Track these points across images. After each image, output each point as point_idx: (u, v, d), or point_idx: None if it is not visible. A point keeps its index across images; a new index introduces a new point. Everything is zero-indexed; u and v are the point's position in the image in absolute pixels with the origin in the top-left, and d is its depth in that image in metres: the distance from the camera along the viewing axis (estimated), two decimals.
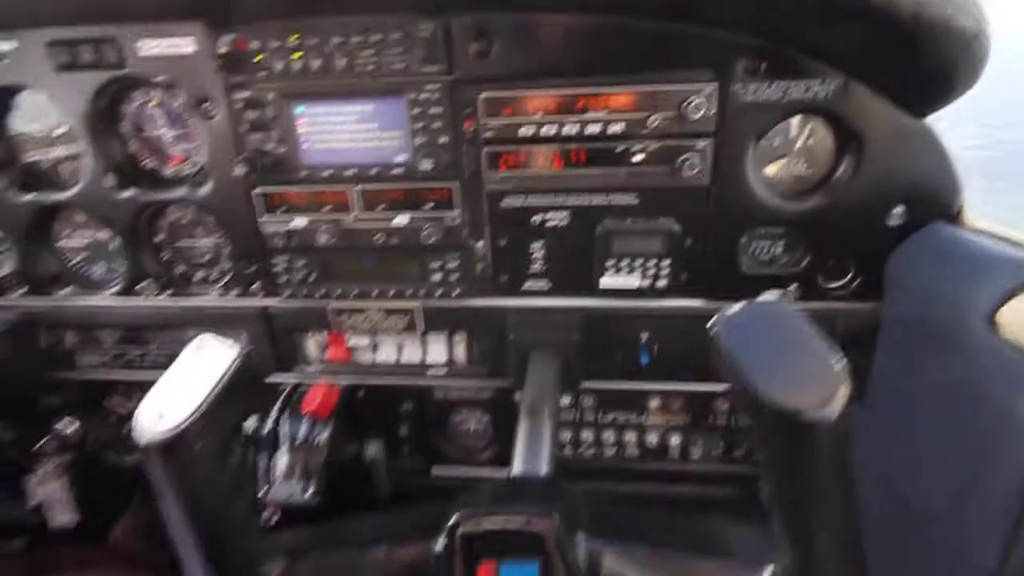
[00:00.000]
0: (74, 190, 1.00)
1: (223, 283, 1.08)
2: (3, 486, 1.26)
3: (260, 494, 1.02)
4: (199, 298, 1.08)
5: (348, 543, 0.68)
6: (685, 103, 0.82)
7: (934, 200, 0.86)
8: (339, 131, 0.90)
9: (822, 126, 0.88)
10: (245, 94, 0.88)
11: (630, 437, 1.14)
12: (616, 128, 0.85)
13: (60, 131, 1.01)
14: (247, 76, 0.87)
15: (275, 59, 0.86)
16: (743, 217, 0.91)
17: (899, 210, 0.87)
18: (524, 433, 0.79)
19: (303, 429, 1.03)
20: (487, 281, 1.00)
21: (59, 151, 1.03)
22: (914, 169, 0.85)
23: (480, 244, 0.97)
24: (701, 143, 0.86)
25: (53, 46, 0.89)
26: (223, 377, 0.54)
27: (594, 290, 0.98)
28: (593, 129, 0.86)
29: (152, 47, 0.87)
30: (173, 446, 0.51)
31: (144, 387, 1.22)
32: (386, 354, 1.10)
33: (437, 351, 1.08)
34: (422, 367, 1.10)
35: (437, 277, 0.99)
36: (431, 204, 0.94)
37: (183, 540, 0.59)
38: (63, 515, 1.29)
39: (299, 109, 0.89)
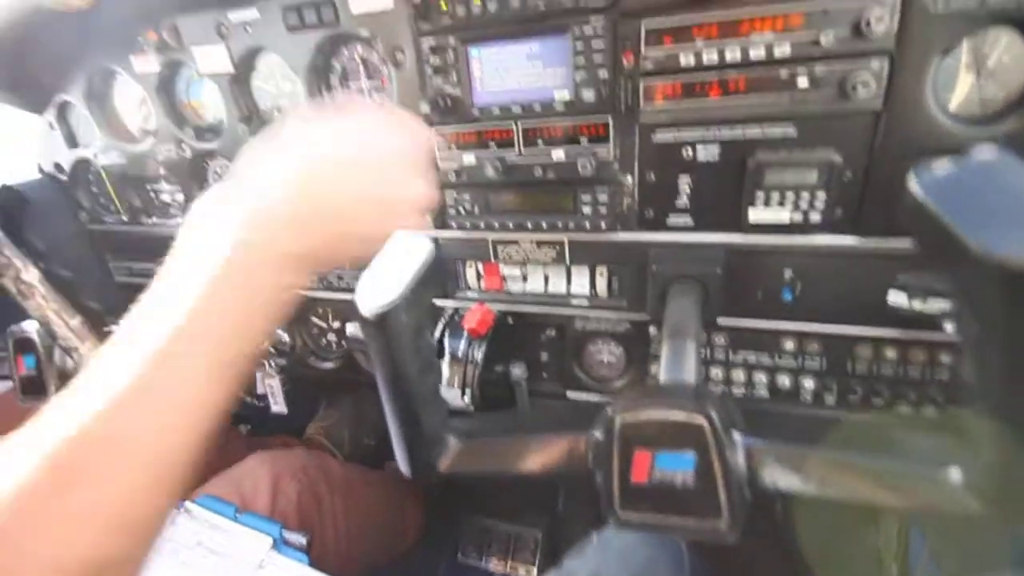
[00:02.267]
0: None
1: None
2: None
3: None
4: None
5: (512, 431, 0.67)
6: (863, 17, 0.68)
7: None
8: (507, 71, 0.87)
9: (1019, 39, 0.69)
10: (431, 41, 0.88)
11: (760, 378, 1.00)
12: (783, 50, 0.73)
13: (286, 87, 1.09)
14: (433, 24, 0.87)
15: (457, 5, 0.84)
16: (918, 145, 0.74)
17: None
18: (668, 349, 0.72)
19: (462, 345, 1.03)
20: (633, 215, 0.92)
21: (285, 103, 1.11)
22: None
23: (629, 178, 0.89)
24: (876, 62, 0.70)
25: (286, 11, 0.95)
26: (421, 263, 0.54)
27: (740, 225, 0.85)
28: (758, 53, 0.74)
29: (361, 5, 0.89)
30: (385, 318, 0.52)
31: (338, 305, 1.30)
32: (534, 284, 1.06)
33: (580, 283, 1.03)
34: (566, 297, 1.05)
35: (587, 210, 0.93)
36: (586, 138, 0.88)
37: (388, 402, 0.60)
38: (278, 405, 1.43)
39: (474, 52, 0.87)
